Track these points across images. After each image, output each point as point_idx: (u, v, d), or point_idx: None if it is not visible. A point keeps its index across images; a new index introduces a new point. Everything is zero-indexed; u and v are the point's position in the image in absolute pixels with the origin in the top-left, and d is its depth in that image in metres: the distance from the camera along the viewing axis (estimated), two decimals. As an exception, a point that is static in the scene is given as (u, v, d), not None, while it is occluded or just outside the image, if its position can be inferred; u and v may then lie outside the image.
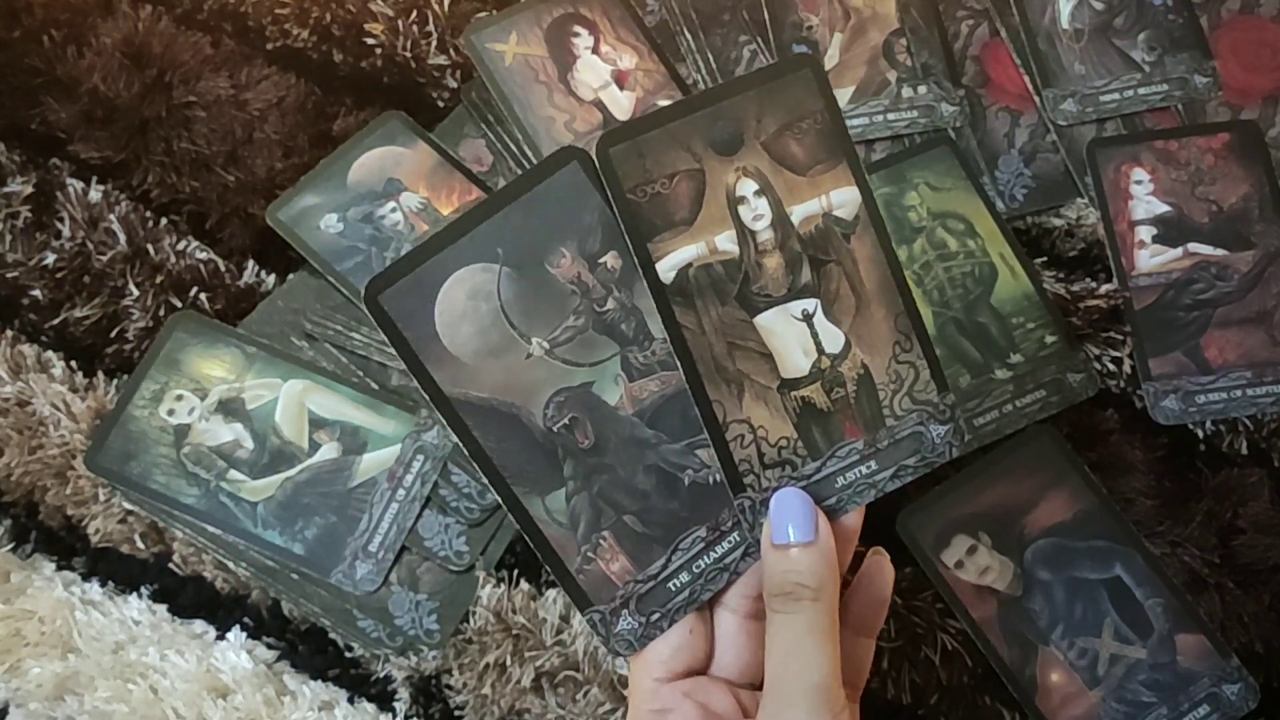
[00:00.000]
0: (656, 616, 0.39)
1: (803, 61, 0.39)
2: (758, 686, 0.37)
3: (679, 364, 0.38)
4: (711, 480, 0.39)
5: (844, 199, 0.39)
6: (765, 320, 0.39)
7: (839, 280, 0.39)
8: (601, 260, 0.39)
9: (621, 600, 0.39)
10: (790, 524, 0.37)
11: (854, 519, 0.39)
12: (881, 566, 0.41)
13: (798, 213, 0.39)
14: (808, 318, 0.39)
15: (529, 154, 0.60)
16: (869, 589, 0.40)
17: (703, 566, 0.39)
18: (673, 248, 0.38)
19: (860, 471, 0.39)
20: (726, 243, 0.39)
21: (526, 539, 0.38)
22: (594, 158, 0.38)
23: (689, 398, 0.38)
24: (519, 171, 0.61)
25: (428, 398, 0.38)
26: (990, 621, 0.53)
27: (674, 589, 0.39)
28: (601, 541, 0.39)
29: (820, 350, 0.39)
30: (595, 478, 0.39)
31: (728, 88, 0.38)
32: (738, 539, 0.39)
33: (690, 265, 0.38)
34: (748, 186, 0.39)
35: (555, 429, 0.39)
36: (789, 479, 0.38)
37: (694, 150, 0.38)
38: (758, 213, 0.39)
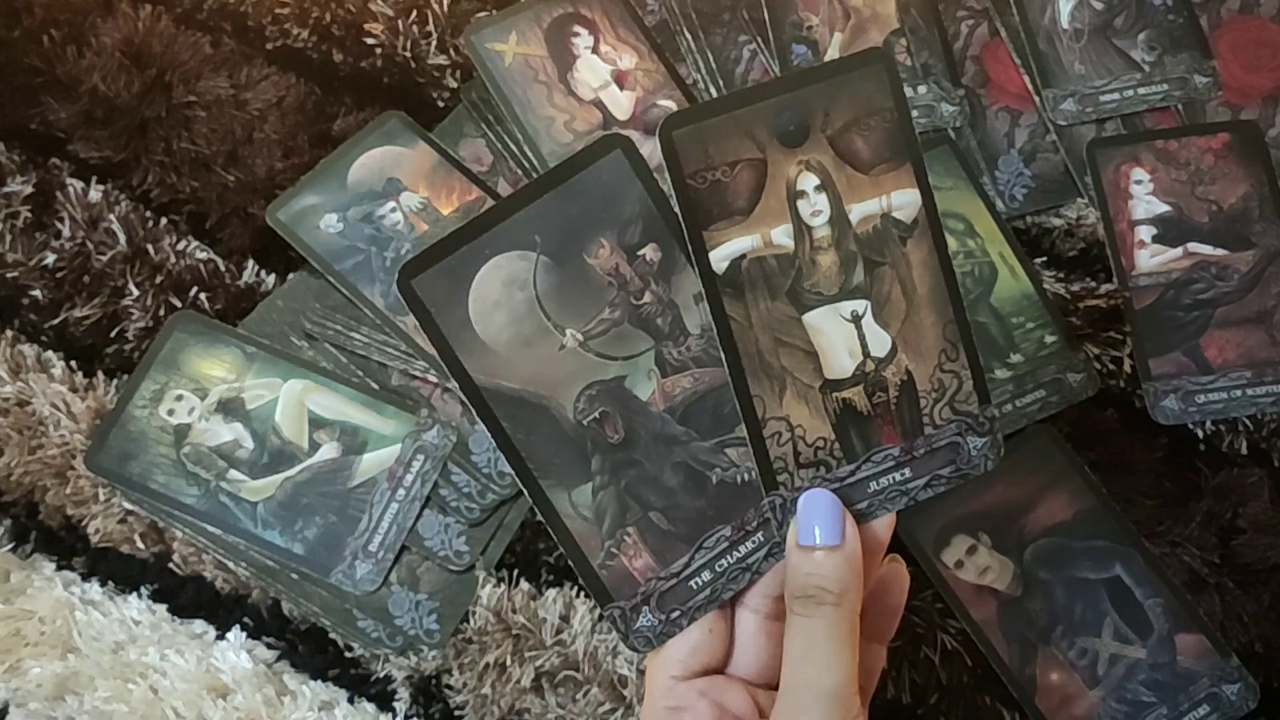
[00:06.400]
0: (677, 614, 0.38)
1: (876, 56, 0.38)
2: (775, 687, 0.37)
3: (723, 356, 0.37)
4: (739, 479, 0.39)
5: (905, 201, 0.38)
6: (814, 318, 0.38)
7: (891, 283, 0.38)
8: (641, 252, 0.38)
9: (642, 597, 0.38)
10: (817, 525, 0.36)
11: (884, 530, 0.38)
12: (898, 574, 0.40)
13: (856, 211, 0.38)
14: (857, 319, 0.38)
15: (529, 154, 0.60)
16: (885, 596, 0.40)
17: (725, 565, 0.38)
18: (728, 238, 0.37)
19: (894, 478, 0.38)
20: (782, 236, 0.38)
21: (550, 532, 0.38)
22: (658, 141, 0.37)
23: (721, 395, 0.38)
24: (519, 171, 0.61)
25: (457, 386, 0.37)
26: (990, 621, 0.53)
27: (695, 587, 0.38)
28: (626, 537, 0.38)
29: (866, 353, 0.38)
30: (623, 473, 0.38)
31: (798, 77, 0.38)
32: (762, 539, 0.38)
33: (744, 257, 0.37)
34: (809, 181, 0.38)
35: (585, 422, 0.38)
36: (822, 480, 0.38)
37: (758, 139, 0.37)
38: (816, 208, 0.38)
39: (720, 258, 0.37)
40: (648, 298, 0.38)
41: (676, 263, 0.38)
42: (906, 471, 0.38)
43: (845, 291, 0.38)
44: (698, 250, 0.37)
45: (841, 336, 0.38)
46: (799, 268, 0.38)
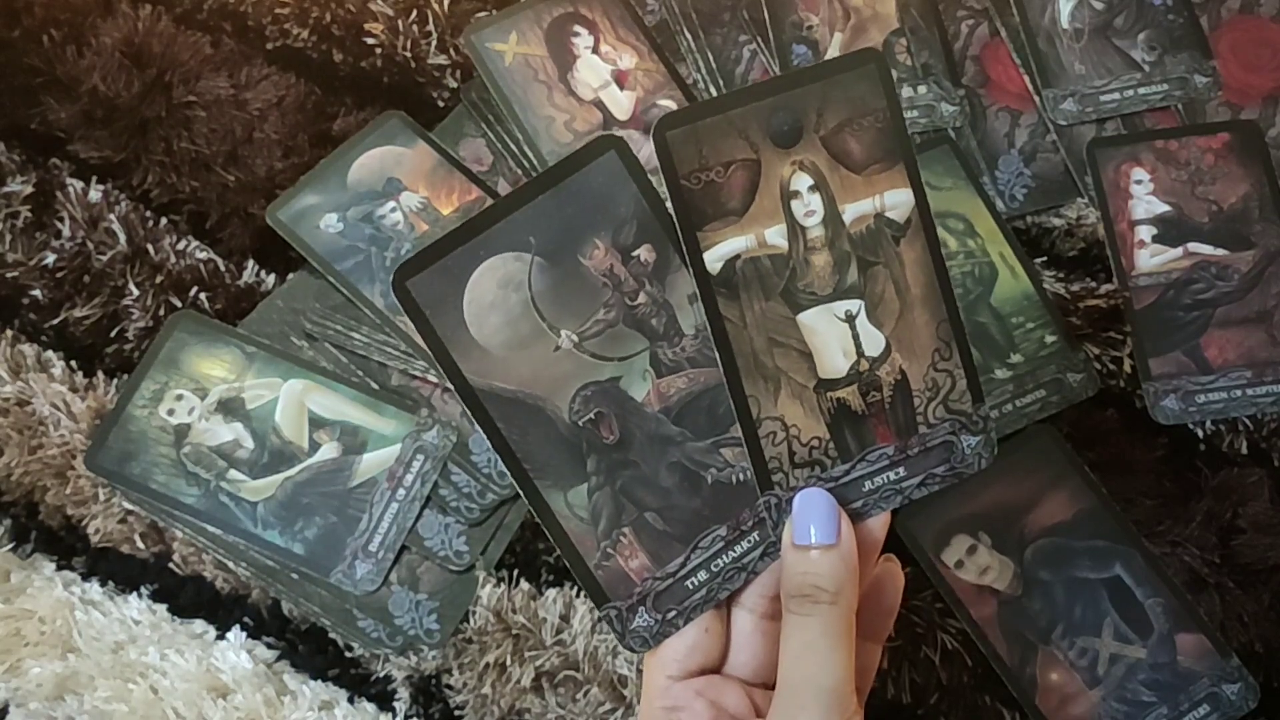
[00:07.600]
0: (673, 614, 0.38)
1: (869, 57, 0.38)
2: (771, 686, 0.37)
3: (718, 356, 0.37)
4: (734, 479, 0.39)
5: (898, 201, 0.39)
6: (808, 318, 0.38)
7: (885, 283, 0.39)
8: (635, 253, 0.38)
9: (639, 597, 0.38)
10: (813, 525, 0.36)
11: (880, 529, 0.39)
12: (893, 574, 0.41)
13: (850, 211, 0.38)
14: (850, 319, 0.39)
15: (529, 154, 0.60)
16: (880, 596, 0.40)
17: (721, 565, 0.38)
18: (722, 238, 0.37)
19: (888, 477, 0.38)
20: (776, 237, 0.38)
21: (546, 533, 0.38)
22: (651, 141, 0.37)
23: (716, 395, 0.38)
24: (519, 171, 0.61)
25: (453, 388, 0.37)
26: (990, 621, 0.53)
27: (691, 587, 0.38)
28: (621, 538, 0.38)
29: (860, 352, 0.39)
30: (618, 474, 0.38)
31: (791, 78, 0.38)
32: (757, 539, 0.39)
33: (738, 257, 0.38)
34: (802, 181, 0.38)
35: (581, 423, 0.38)
36: (817, 479, 0.38)
37: (751, 139, 0.37)
38: (810, 208, 0.38)
39: (714, 258, 0.37)
40: (642, 298, 0.39)
41: (671, 263, 0.38)
42: (901, 470, 0.38)
43: (839, 291, 0.39)
44: (692, 251, 0.37)
45: (835, 336, 0.38)
46: (793, 268, 0.38)
